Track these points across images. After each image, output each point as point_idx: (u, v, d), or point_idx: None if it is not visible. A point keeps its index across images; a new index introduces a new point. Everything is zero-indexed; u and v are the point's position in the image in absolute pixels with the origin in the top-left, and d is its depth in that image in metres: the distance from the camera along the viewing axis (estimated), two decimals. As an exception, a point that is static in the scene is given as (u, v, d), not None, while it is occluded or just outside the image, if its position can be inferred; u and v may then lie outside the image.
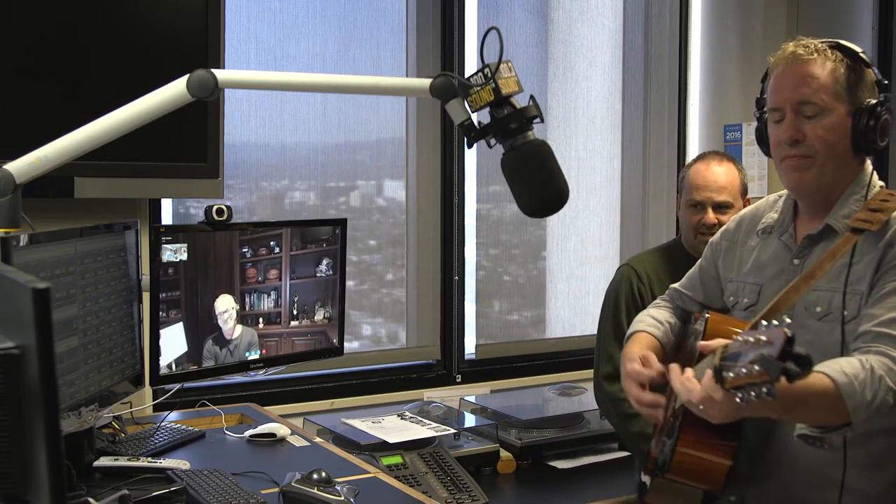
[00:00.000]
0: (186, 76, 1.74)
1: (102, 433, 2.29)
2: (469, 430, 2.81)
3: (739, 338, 1.41)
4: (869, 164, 1.84)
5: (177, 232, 2.32)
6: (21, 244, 1.80)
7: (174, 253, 2.29)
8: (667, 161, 3.90)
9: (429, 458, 2.53)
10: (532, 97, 1.74)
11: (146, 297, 2.27)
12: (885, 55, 3.91)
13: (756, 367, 1.33)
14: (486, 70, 1.70)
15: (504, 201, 3.49)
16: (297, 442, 2.43)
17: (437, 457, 2.54)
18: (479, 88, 1.71)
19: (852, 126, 1.76)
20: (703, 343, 1.65)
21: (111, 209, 2.54)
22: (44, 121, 2.23)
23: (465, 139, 1.76)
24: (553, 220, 3.62)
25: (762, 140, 1.89)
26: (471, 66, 3.32)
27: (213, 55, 2.51)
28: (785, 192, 1.92)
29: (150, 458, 2.15)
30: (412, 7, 3.30)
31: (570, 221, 3.67)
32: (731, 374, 1.38)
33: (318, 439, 2.48)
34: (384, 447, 2.54)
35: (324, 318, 2.63)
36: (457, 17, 3.33)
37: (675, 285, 2.13)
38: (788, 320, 1.36)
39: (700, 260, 2.09)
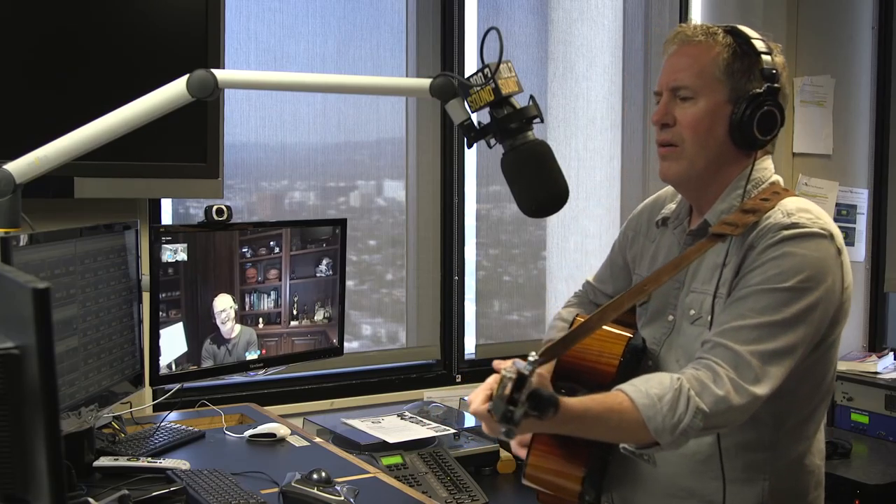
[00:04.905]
0: (186, 76, 1.74)
1: (102, 433, 2.29)
2: (469, 430, 2.80)
3: (509, 366, 1.29)
4: (767, 159, 1.72)
5: (176, 232, 2.32)
6: (21, 244, 1.80)
7: (174, 253, 2.29)
8: (667, 161, 3.89)
9: (429, 458, 2.53)
10: (532, 97, 1.73)
11: (146, 297, 2.27)
12: (884, 55, 3.91)
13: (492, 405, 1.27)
14: (486, 70, 1.70)
15: (504, 201, 3.49)
16: (297, 442, 2.43)
17: (437, 457, 2.53)
18: (478, 88, 1.71)
19: (730, 115, 1.65)
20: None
21: (111, 209, 2.54)
22: (44, 121, 2.23)
23: (465, 139, 1.76)
24: (553, 220, 3.62)
25: None
26: (471, 66, 3.32)
27: (213, 55, 2.51)
28: None
29: (149, 458, 2.15)
30: (412, 7, 3.30)
31: (570, 221, 3.66)
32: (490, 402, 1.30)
33: (318, 439, 2.48)
34: (384, 447, 2.54)
35: (324, 318, 2.63)
36: (457, 17, 3.32)
37: (589, 278, 2.06)
38: (534, 356, 1.28)
39: (611, 250, 2.00)
